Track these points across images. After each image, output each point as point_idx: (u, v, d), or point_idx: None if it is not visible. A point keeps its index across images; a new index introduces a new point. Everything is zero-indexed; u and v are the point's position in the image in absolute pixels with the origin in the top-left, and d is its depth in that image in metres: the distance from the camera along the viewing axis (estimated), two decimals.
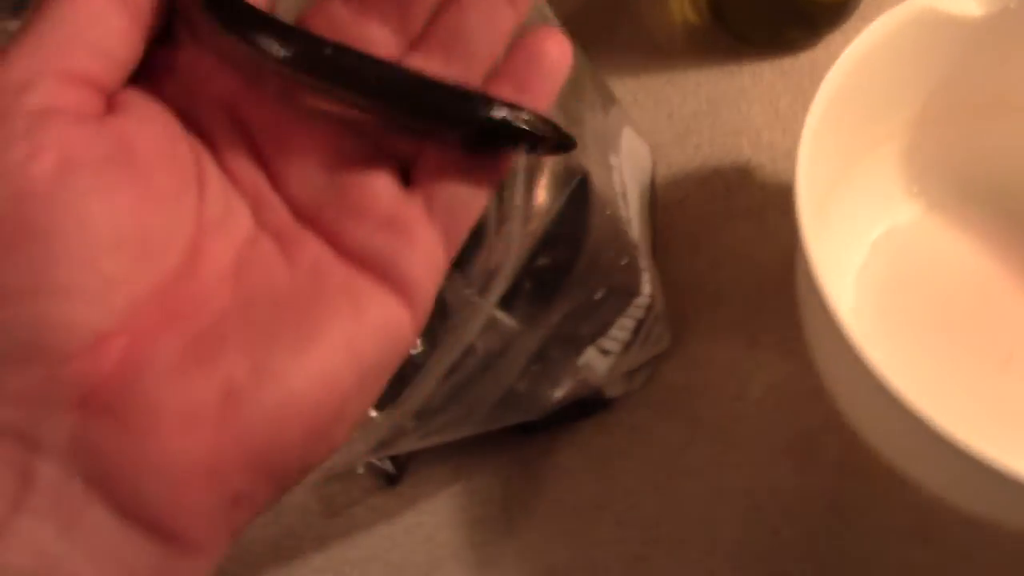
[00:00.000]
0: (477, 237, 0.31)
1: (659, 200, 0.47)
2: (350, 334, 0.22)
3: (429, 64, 0.24)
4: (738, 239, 0.47)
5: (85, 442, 0.20)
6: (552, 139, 0.24)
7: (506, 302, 0.32)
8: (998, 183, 0.44)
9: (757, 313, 0.45)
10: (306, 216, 0.24)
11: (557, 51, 0.25)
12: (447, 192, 0.24)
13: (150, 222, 0.22)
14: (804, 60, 0.51)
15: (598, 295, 0.36)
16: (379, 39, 0.25)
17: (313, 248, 0.24)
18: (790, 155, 0.50)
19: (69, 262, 0.20)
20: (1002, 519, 0.40)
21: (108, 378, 0.20)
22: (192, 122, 0.24)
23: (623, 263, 0.36)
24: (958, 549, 0.40)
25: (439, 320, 0.32)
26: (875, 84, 0.39)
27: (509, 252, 0.31)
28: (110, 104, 0.22)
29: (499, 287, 0.31)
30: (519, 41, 0.25)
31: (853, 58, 0.37)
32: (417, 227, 0.24)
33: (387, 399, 0.34)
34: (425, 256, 0.24)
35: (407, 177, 0.25)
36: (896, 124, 0.42)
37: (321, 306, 0.23)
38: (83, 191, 0.20)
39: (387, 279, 0.23)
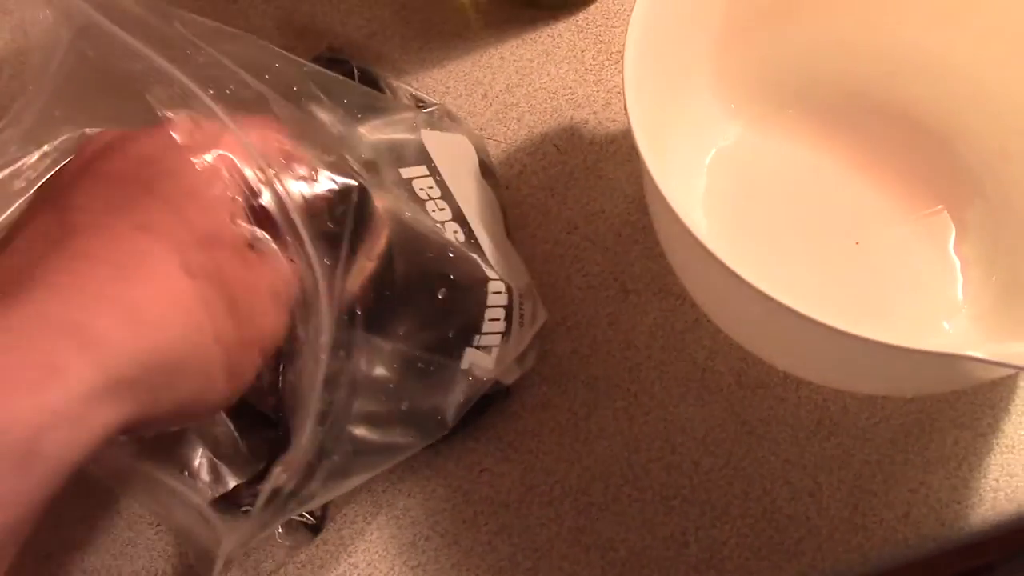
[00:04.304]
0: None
1: (500, 179, 0.47)
2: None
3: None
4: (584, 197, 0.47)
5: None
6: None
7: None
8: (803, 84, 0.46)
9: (622, 263, 0.46)
10: None
11: None
12: None
13: None
14: (595, 12, 0.52)
15: (441, 294, 0.36)
16: None
17: None
18: (608, 105, 0.51)
19: None
20: (869, 388, 0.42)
21: None
22: None
23: (450, 255, 0.36)
24: (859, 433, 0.42)
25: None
26: (675, 13, 0.40)
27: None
28: None
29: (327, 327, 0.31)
30: None
31: None
32: None
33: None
34: None
35: None
36: (702, 48, 0.44)
37: None
38: None
39: None
